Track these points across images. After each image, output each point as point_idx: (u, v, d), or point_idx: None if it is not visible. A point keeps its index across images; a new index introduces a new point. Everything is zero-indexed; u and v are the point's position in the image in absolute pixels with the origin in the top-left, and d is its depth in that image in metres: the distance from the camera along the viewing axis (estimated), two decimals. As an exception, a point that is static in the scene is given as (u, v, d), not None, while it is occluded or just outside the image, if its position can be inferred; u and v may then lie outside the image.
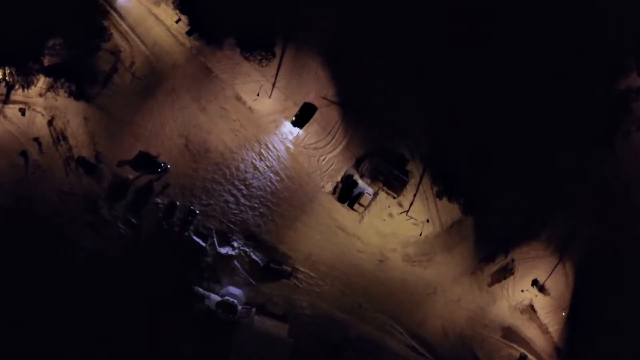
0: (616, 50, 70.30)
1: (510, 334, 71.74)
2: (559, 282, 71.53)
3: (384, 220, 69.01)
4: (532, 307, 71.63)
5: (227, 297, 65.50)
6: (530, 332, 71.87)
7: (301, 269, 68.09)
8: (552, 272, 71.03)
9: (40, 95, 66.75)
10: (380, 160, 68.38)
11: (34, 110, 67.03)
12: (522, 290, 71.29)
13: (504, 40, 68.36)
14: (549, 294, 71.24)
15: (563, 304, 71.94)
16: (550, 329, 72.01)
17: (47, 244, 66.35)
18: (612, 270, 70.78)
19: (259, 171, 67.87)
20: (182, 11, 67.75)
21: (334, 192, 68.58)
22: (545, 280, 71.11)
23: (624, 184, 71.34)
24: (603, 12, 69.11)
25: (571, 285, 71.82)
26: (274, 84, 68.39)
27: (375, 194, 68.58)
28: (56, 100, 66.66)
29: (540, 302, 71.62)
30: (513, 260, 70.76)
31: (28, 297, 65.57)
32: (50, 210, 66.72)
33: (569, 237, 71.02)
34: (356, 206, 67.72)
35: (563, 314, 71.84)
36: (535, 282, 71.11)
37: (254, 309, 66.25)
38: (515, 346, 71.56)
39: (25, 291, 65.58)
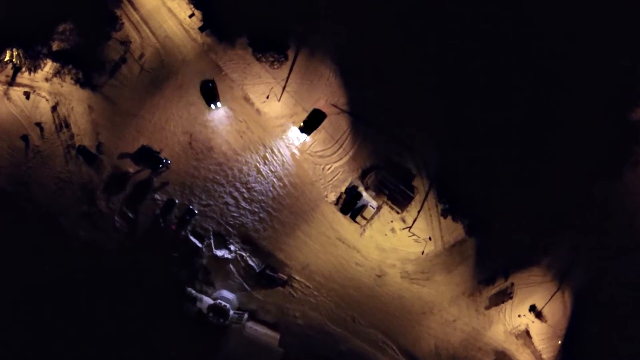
0: (628, 80, 69.28)
1: (503, 358, 70.75)
2: (556, 309, 70.68)
3: (386, 235, 68.07)
4: (527, 332, 70.89)
5: (219, 301, 64.54)
6: (524, 357, 71.01)
7: (297, 278, 67.25)
8: (550, 299, 70.19)
9: (46, 80, 66.79)
10: (387, 174, 67.41)
11: (38, 94, 67.04)
12: (519, 315, 70.51)
13: (517, 63, 67.69)
14: (545, 321, 70.50)
15: (559, 332, 71.00)
16: (544, 356, 71.17)
17: (40, 230, 66.01)
18: (611, 302, 69.85)
19: (262, 175, 66.98)
20: (197, 6, 67.18)
21: (337, 202, 67.67)
22: (543, 307, 70.36)
23: (628, 215, 70.28)
24: (615, 40, 68.19)
25: (568, 314, 70.82)
26: (284, 88, 67.49)
27: (379, 208, 67.62)
28: (62, 87, 66.64)
29: (537, 329, 70.75)
30: (512, 284, 69.88)
31: (15, 284, 65.30)
32: (47, 197, 66.53)
33: (569, 265, 70.07)
34: (358, 218, 66.81)
35: (559, 342, 70.86)
36: (532, 308, 70.32)
37: (246, 315, 65.56)
38: (508, 371, 70.61)
39: (12, 277, 65.34)
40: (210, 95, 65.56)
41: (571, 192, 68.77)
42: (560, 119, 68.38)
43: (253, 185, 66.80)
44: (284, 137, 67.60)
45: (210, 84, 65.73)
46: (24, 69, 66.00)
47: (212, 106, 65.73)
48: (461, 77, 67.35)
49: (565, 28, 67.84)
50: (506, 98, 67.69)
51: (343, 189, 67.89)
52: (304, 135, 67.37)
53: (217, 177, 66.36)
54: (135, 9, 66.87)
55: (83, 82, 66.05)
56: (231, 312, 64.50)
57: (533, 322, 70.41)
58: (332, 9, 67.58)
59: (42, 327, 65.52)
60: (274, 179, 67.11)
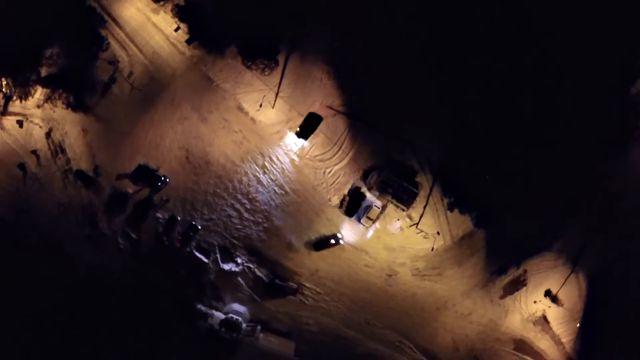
0: (630, 53, 67.94)
1: (522, 346, 70.01)
2: (572, 292, 69.77)
3: (393, 233, 67.15)
4: (544, 318, 70.04)
5: (231, 315, 63.97)
6: (543, 343, 70.15)
7: (307, 285, 66.48)
8: (564, 282, 69.19)
9: (38, 106, 66.82)
10: (389, 173, 66.49)
11: (31, 122, 67.06)
12: (534, 302, 69.62)
13: (516, 46, 66.40)
14: (562, 305, 69.62)
15: (576, 314, 70.14)
16: (564, 340, 70.36)
17: (44, 256, 66.02)
18: (625, 280, 69.07)
19: (263, 185, 66.22)
20: (182, 19, 66.76)
21: (340, 205, 66.87)
22: (558, 291, 69.36)
23: (636, 194, 69.16)
24: (617, 12, 66.61)
25: (584, 296, 70.01)
26: (277, 94, 66.68)
27: (384, 207, 66.69)
28: (54, 112, 66.64)
29: (553, 313, 69.85)
30: (525, 271, 68.99)
31: (24, 310, 65.40)
32: (49, 223, 66.60)
33: (581, 248, 69.07)
34: (364, 220, 65.96)
35: (577, 324, 70.16)
36: (548, 293, 69.42)
37: (259, 327, 64.94)
38: (528, 358, 69.82)
39: (21, 304, 65.44)
40: (322, 244, 65.96)
41: (576, 176, 67.60)
42: (562, 102, 67.07)
43: (254, 195, 66.05)
44: (281, 143, 66.81)
45: (321, 239, 66.13)
46: (14, 98, 66.14)
47: (340, 241, 66.09)
48: (456, 69, 66.19)
49: (563, 11, 66.44)
50: (506, 82, 66.31)
51: (346, 191, 67.03)
52: (302, 140, 66.53)
53: (218, 190, 65.71)
54: (120, 27, 66.43)
55: (75, 105, 65.98)
56: (243, 325, 63.96)
57: (549, 307, 69.52)
58: (320, 10, 66.63)
59: (48, 349, 65.49)
60: (275, 187, 66.35)
